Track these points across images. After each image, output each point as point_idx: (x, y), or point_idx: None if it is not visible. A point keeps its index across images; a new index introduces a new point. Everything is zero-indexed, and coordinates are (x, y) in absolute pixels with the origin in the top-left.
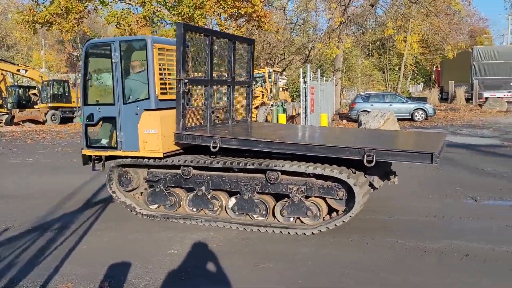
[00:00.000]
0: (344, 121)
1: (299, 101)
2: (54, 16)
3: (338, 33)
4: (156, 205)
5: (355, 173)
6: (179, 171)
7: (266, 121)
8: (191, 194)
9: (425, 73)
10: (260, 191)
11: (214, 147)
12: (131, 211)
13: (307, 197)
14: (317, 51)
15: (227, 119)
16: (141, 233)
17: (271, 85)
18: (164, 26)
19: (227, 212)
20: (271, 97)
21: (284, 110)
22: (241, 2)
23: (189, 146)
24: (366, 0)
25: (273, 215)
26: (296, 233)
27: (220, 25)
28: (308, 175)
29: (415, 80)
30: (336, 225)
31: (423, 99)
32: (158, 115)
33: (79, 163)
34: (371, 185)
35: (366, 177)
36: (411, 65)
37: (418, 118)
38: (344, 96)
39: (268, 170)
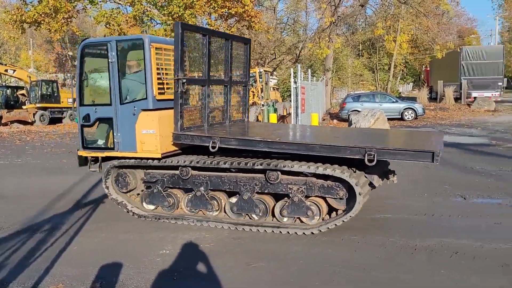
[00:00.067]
0: (335, 121)
1: (290, 101)
2: (43, 15)
3: (328, 33)
4: (153, 206)
5: (355, 172)
6: (177, 172)
7: (257, 121)
8: (190, 195)
9: (415, 73)
10: (259, 191)
11: (213, 147)
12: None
13: (307, 196)
14: (307, 51)
15: (224, 119)
16: (133, 233)
17: (262, 85)
18: (154, 26)
19: (226, 213)
20: (262, 97)
21: (275, 110)
22: (231, 2)
23: (187, 147)
24: (356, 0)
25: (273, 215)
26: (296, 232)
27: (210, 25)
28: (306, 175)
29: (404, 80)
30: (336, 224)
31: (413, 99)
32: (156, 115)
33: (69, 163)
34: (370, 184)
35: (366, 177)
36: (400, 65)
37: (408, 118)
38: (334, 96)
39: (268, 170)
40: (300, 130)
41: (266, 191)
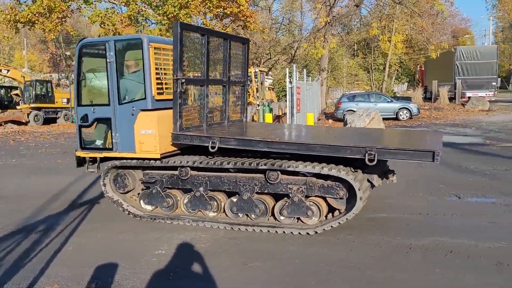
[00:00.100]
0: (330, 121)
1: (285, 100)
2: (37, 15)
3: (324, 33)
4: (152, 207)
5: (356, 171)
6: (176, 172)
7: (253, 120)
8: (189, 195)
9: (409, 72)
10: (259, 191)
11: (213, 147)
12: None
13: (307, 196)
14: (302, 51)
15: (222, 119)
16: (128, 233)
17: (257, 85)
18: (149, 25)
19: (225, 213)
20: (257, 96)
21: (270, 110)
22: (226, 2)
23: (186, 147)
24: (351, 0)
25: (273, 215)
26: (292, 232)
27: (205, 25)
28: (305, 174)
29: (399, 79)
30: (339, 223)
31: (408, 99)
32: (155, 115)
33: (64, 164)
34: (369, 181)
35: (368, 180)
36: (395, 65)
37: (403, 117)
38: (329, 96)
39: (268, 170)
40: (297, 129)
41: (266, 191)
